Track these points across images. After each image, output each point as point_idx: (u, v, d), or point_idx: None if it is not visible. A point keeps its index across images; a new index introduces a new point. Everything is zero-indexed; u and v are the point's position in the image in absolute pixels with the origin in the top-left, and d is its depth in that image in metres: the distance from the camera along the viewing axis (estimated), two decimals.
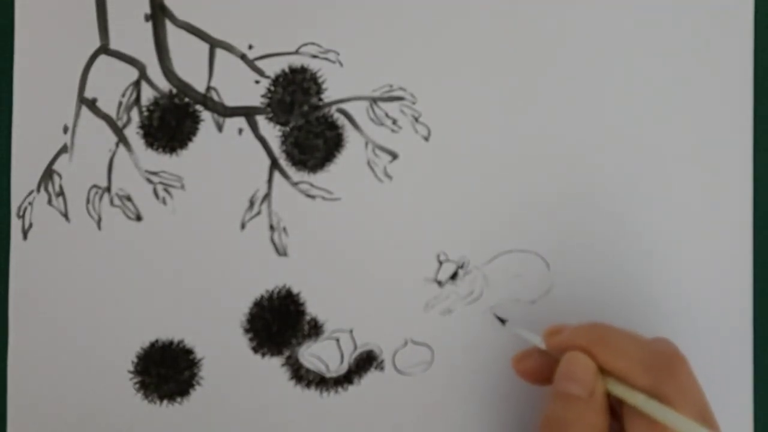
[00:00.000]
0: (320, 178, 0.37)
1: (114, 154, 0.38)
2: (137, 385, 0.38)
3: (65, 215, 0.38)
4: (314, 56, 0.37)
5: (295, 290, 0.37)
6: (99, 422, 0.38)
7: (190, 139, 0.37)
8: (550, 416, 0.30)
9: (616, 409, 0.30)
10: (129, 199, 0.38)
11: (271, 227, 0.37)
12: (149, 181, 0.38)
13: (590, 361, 0.30)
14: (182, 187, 0.37)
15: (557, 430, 0.29)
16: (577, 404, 0.29)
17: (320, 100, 0.37)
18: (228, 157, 0.37)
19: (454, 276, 0.37)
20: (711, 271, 0.36)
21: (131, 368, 0.37)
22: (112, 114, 0.38)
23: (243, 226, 0.37)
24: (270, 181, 0.37)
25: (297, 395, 0.37)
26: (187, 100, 0.37)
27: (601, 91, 0.37)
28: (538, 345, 0.32)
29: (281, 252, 0.37)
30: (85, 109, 0.38)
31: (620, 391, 0.29)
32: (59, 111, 0.38)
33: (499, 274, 0.37)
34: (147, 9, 0.37)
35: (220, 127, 0.37)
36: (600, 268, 0.36)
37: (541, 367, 0.32)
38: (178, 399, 0.37)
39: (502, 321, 0.35)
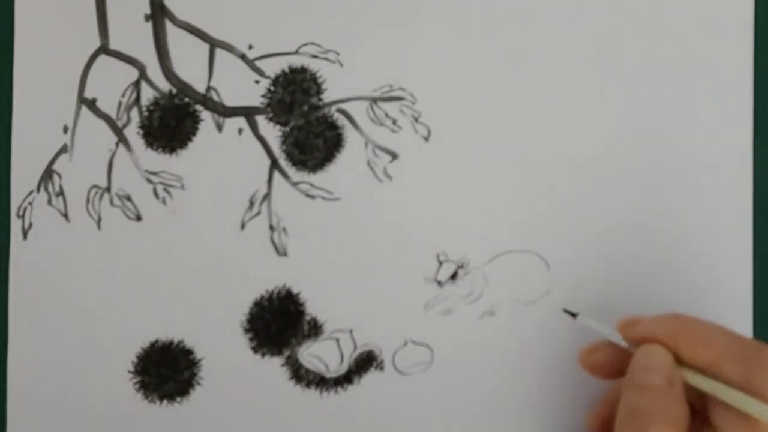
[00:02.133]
0: (320, 178, 0.37)
1: (114, 154, 0.38)
2: (137, 385, 0.38)
3: (65, 215, 0.38)
4: (314, 56, 0.37)
5: (295, 290, 0.37)
6: (99, 422, 0.38)
7: (190, 139, 0.37)
8: (630, 408, 0.29)
9: (695, 404, 0.30)
10: (129, 199, 0.38)
11: (271, 227, 0.37)
12: (149, 181, 0.38)
13: (666, 351, 0.30)
14: (182, 187, 0.37)
15: (639, 421, 0.28)
16: (657, 394, 0.29)
17: (320, 100, 0.37)
18: (228, 157, 0.37)
19: (454, 276, 0.37)
20: (711, 271, 0.36)
21: (131, 368, 0.37)
22: (112, 114, 0.38)
23: (243, 226, 0.37)
24: (270, 181, 0.37)
25: (297, 395, 0.37)
26: (187, 100, 0.37)
27: (601, 91, 0.37)
28: (610, 337, 0.32)
29: (281, 252, 0.37)
30: (85, 109, 0.38)
31: (702, 382, 0.29)
32: (59, 111, 0.38)
33: (499, 274, 0.37)
34: (147, 9, 0.37)
35: (220, 127, 0.37)
36: (600, 269, 0.36)
37: (610, 361, 0.32)
38: (178, 399, 0.37)
39: (573, 315, 0.34)
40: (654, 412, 0.28)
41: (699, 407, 0.30)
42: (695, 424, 0.29)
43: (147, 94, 0.38)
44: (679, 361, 0.30)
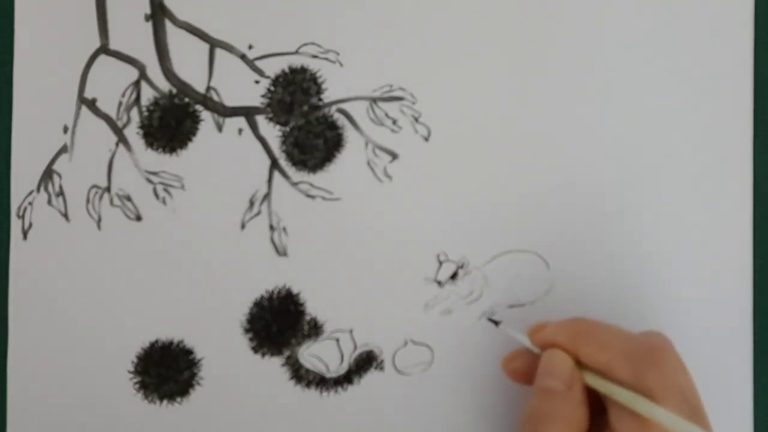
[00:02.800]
0: (320, 178, 0.37)
1: (114, 154, 0.38)
2: (137, 385, 0.38)
3: (65, 215, 0.38)
4: (314, 56, 0.37)
5: (295, 290, 0.37)
6: (99, 422, 0.38)
7: (190, 139, 0.37)
8: (530, 411, 0.30)
9: (597, 406, 0.30)
10: (129, 199, 0.38)
11: (271, 227, 0.37)
12: (149, 181, 0.38)
13: (567, 356, 0.31)
14: (182, 187, 0.37)
15: (537, 424, 0.30)
16: (556, 398, 0.30)
17: (320, 100, 0.37)
18: (228, 157, 0.37)
19: (454, 276, 0.37)
20: (711, 272, 0.36)
21: (131, 368, 0.38)
22: (112, 114, 0.38)
23: (243, 226, 0.37)
24: (270, 181, 0.37)
25: (297, 395, 0.37)
26: (187, 100, 0.37)
27: (601, 91, 0.37)
28: (527, 345, 0.33)
29: (281, 252, 0.37)
30: (85, 109, 0.38)
31: (597, 383, 0.30)
32: (59, 111, 0.38)
33: (499, 274, 0.37)
34: (147, 9, 0.37)
35: (220, 127, 0.37)
36: (600, 269, 0.36)
37: (529, 368, 0.32)
38: (178, 399, 0.37)
39: (496, 323, 0.35)
40: (552, 415, 0.30)
41: (600, 409, 0.30)
42: (596, 426, 0.30)
43: (147, 94, 0.38)
44: (580, 364, 0.31)
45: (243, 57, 0.37)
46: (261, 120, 0.37)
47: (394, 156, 0.37)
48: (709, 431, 0.29)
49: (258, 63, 0.37)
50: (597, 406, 0.30)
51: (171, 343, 0.37)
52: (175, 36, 0.37)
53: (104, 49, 0.38)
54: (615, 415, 0.29)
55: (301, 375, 0.37)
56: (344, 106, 0.37)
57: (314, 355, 0.37)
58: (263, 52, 0.37)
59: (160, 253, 0.37)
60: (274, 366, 0.37)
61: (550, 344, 0.31)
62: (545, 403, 0.30)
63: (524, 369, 0.33)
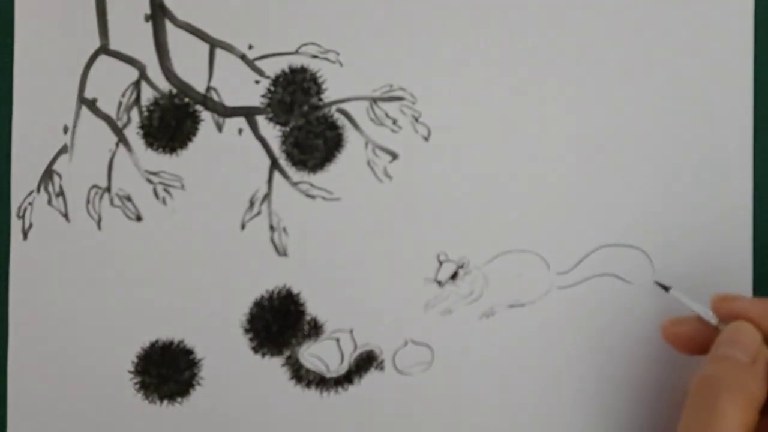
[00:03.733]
0: (320, 178, 0.37)
1: (114, 154, 0.38)
2: (137, 385, 0.38)
3: (65, 215, 0.38)
4: (314, 56, 0.37)
5: (295, 290, 0.37)
6: (99, 422, 0.38)
7: (190, 139, 0.37)
8: (708, 376, 0.29)
9: None
10: (129, 199, 0.38)
11: (271, 227, 0.37)
12: (149, 181, 0.38)
13: (756, 330, 0.30)
14: (182, 187, 0.37)
15: (714, 389, 0.28)
16: (738, 368, 0.29)
17: (320, 100, 0.37)
18: (228, 157, 0.37)
19: (454, 276, 0.37)
20: (711, 272, 0.36)
21: (131, 368, 0.37)
22: (112, 114, 0.38)
23: (243, 226, 0.37)
24: (270, 181, 0.37)
25: (297, 395, 0.37)
26: (187, 100, 0.37)
27: (600, 91, 0.37)
28: (701, 314, 0.32)
29: (281, 252, 0.37)
30: (85, 109, 0.38)
31: None
32: (59, 111, 0.38)
33: (499, 274, 0.37)
34: (147, 9, 0.37)
35: (220, 127, 0.37)
36: (600, 269, 0.36)
37: (693, 336, 0.32)
38: (178, 399, 0.37)
39: (666, 288, 0.35)
40: (730, 383, 0.28)
41: None
42: None
43: (147, 94, 0.38)
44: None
45: (243, 57, 0.37)
46: (261, 120, 0.37)
47: (394, 156, 0.37)
48: None
49: (258, 63, 0.37)
50: None
51: (171, 343, 0.37)
52: (175, 36, 0.37)
53: (104, 49, 0.38)
54: None
55: (301, 375, 0.37)
56: (344, 106, 0.37)
57: (314, 355, 0.37)
58: (263, 52, 0.37)
59: (160, 253, 0.37)
60: (274, 366, 0.37)
61: (740, 316, 0.31)
62: (726, 370, 0.29)
63: (688, 336, 0.32)
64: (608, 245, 0.36)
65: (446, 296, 0.37)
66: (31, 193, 0.38)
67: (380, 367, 0.37)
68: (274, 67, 0.37)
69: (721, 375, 0.29)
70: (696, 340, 0.32)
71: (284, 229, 0.37)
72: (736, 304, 0.31)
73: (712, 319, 0.32)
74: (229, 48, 0.37)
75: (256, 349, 0.37)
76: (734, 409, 0.28)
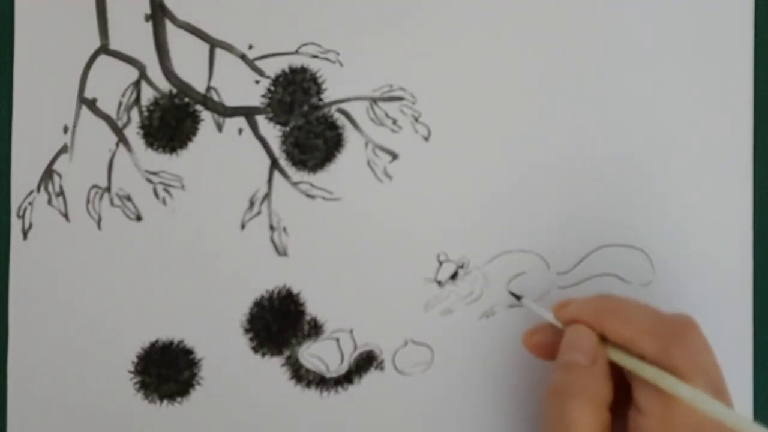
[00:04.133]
0: (320, 178, 0.37)
1: (114, 154, 0.38)
2: (137, 385, 0.38)
3: (65, 215, 0.38)
4: (314, 56, 0.37)
5: (295, 290, 0.37)
6: (99, 422, 0.38)
7: (190, 139, 0.37)
8: (554, 385, 0.30)
9: (621, 382, 0.30)
10: (129, 199, 0.38)
11: (271, 227, 0.37)
12: (149, 181, 0.38)
13: (591, 331, 0.31)
14: (182, 187, 0.37)
15: (561, 398, 0.29)
16: (580, 372, 0.30)
17: (320, 100, 0.37)
18: (228, 157, 0.37)
19: (454, 276, 0.37)
20: (711, 272, 0.36)
21: (131, 368, 0.38)
22: (112, 114, 0.38)
23: (243, 226, 0.37)
24: (270, 181, 0.37)
25: (297, 395, 0.37)
26: (187, 100, 0.37)
27: (600, 91, 0.37)
28: (550, 320, 0.33)
29: (281, 252, 0.37)
30: (85, 109, 0.38)
31: (622, 358, 0.30)
32: (59, 111, 0.38)
33: (499, 274, 0.37)
34: (147, 9, 0.38)
35: (220, 127, 0.37)
36: (600, 269, 0.36)
37: (550, 342, 0.32)
38: (178, 399, 0.37)
39: (518, 297, 0.35)
40: (575, 389, 0.29)
41: (624, 385, 0.30)
42: (620, 401, 0.30)
43: (147, 94, 0.38)
44: (605, 340, 0.31)
45: (243, 57, 0.37)
46: (261, 120, 0.37)
47: (394, 156, 0.37)
48: (731, 408, 0.29)
49: (258, 63, 0.37)
50: (621, 382, 0.30)
51: (171, 343, 0.37)
52: (175, 36, 0.37)
53: (104, 49, 0.38)
54: (639, 390, 0.29)
55: (301, 375, 0.37)
56: (344, 106, 0.37)
57: (314, 355, 0.37)
58: (263, 52, 0.37)
59: (160, 253, 0.37)
60: (274, 366, 0.37)
61: (575, 320, 0.31)
62: (569, 376, 0.30)
63: (546, 343, 0.33)
64: (608, 245, 0.36)
65: (446, 296, 0.37)
66: (31, 193, 0.38)
67: (380, 367, 0.37)
68: (274, 67, 0.37)
69: (565, 383, 0.30)
70: (553, 347, 0.32)
71: (284, 229, 0.37)
72: (571, 308, 0.32)
73: (559, 324, 0.32)
74: (229, 48, 0.37)
75: (256, 349, 0.37)
76: (584, 415, 0.29)
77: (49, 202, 0.38)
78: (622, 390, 0.30)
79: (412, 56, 0.37)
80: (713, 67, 0.36)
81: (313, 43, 0.37)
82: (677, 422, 0.28)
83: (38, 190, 0.38)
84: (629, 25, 0.37)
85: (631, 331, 0.30)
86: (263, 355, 0.37)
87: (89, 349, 0.38)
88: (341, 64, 0.37)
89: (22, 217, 0.38)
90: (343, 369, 0.37)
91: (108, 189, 0.38)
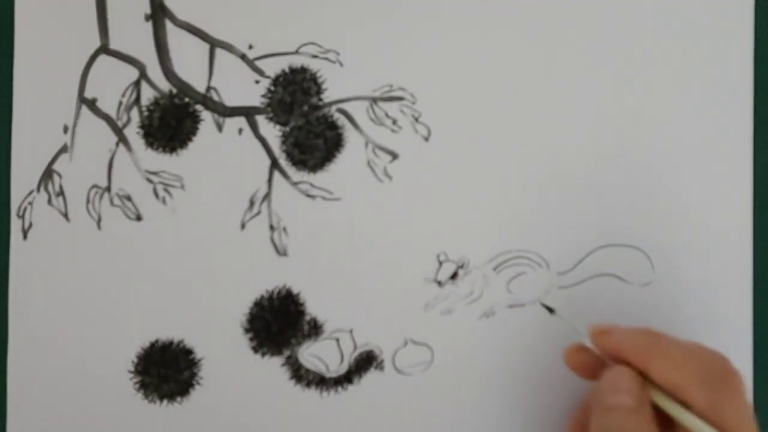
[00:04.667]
0: (320, 178, 0.37)
1: (114, 154, 0.38)
2: (137, 385, 0.38)
3: (65, 215, 0.38)
4: (314, 56, 0.37)
5: (295, 290, 0.37)
6: (99, 422, 0.38)
7: (190, 139, 0.37)
8: (600, 429, 0.29)
9: (665, 423, 0.30)
10: (129, 199, 0.38)
11: (271, 227, 0.37)
12: (149, 181, 0.38)
13: (636, 374, 0.30)
14: (182, 187, 0.37)
15: None
16: (626, 415, 0.29)
17: (320, 100, 0.37)
18: (228, 157, 0.37)
19: (454, 276, 0.37)
20: (711, 272, 0.36)
21: (131, 368, 0.38)
22: (112, 114, 0.38)
23: (243, 226, 0.37)
24: (270, 181, 0.37)
25: (297, 395, 0.37)
26: (187, 100, 0.37)
27: (601, 91, 0.37)
28: (585, 342, 0.32)
29: (281, 252, 0.37)
30: (85, 109, 0.38)
31: (668, 406, 0.29)
32: (59, 111, 0.38)
33: (499, 274, 0.37)
34: (147, 9, 0.37)
35: (220, 127, 0.37)
36: (600, 269, 0.36)
37: (593, 362, 0.32)
38: (178, 399, 0.37)
39: (551, 310, 0.35)
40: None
41: (668, 425, 0.30)
42: None
43: (147, 94, 0.38)
44: (648, 379, 0.30)
45: (243, 57, 0.37)
46: (261, 120, 0.37)
47: (394, 156, 0.37)
48: None
49: (258, 63, 0.37)
50: (664, 423, 0.29)
51: (171, 343, 0.37)
52: (175, 36, 0.37)
53: (104, 49, 0.38)
54: None
55: (301, 375, 0.37)
56: (344, 106, 0.37)
57: (314, 355, 0.37)
58: (263, 52, 0.37)
59: (160, 253, 0.37)
60: (274, 366, 0.37)
61: (618, 351, 0.30)
62: (615, 420, 0.29)
63: (588, 363, 0.32)
64: (608, 245, 0.36)
65: (446, 296, 0.37)
66: (31, 192, 0.38)
67: (380, 367, 0.37)
68: (274, 67, 0.37)
69: (613, 426, 0.29)
70: (593, 367, 0.32)
71: (284, 229, 0.37)
72: (613, 339, 0.31)
73: (595, 349, 0.32)
74: (229, 48, 0.37)
75: (256, 349, 0.37)
76: None
77: (49, 202, 0.38)
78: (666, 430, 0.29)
79: (412, 56, 0.37)
80: (713, 67, 0.36)
81: (313, 43, 0.37)
82: None
83: (38, 190, 0.38)
84: (630, 26, 0.37)
85: (680, 377, 0.29)
86: (263, 355, 0.37)
87: (89, 348, 0.38)
88: (341, 64, 0.37)
89: (22, 217, 0.38)
90: (343, 369, 0.37)
91: (108, 189, 0.38)
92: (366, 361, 0.37)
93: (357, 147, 0.37)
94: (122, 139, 0.38)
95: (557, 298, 0.36)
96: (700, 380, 0.28)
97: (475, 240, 0.37)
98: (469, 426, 0.37)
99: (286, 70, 0.37)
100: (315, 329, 0.37)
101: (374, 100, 0.37)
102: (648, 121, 0.36)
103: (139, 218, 0.38)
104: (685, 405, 0.29)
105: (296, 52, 0.37)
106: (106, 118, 0.38)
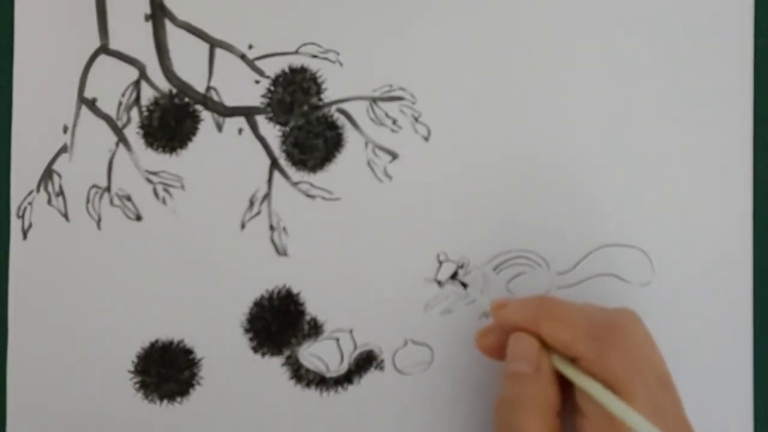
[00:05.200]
0: (320, 178, 0.37)
1: (114, 154, 0.38)
2: (137, 385, 0.38)
3: (65, 215, 0.38)
4: (314, 56, 0.37)
5: (295, 290, 0.37)
6: (99, 422, 0.38)
7: (190, 139, 0.37)
8: (502, 397, 0.30)
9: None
10: (129, 199, 0.38)
11: (271, 227, 0.37)
12: (149, 181, 0.38)
13: (532, 338, 0.31)
14: (182, 187, 0.37)
15: (509, 409, 0.30)
16: (525, 381, 0.30)
17: (320, 100, 0.37)
18: (228, 157, 0.37)
19: (454, 276, 0.37)
20: (711, 272, 0.36)
21: (131, 368, 0.38)
22: (112, 114, 0.38)
23: (243, 226, 0.37)
24: (270, 181, 0.37)
25: (297, 395, 0.37)
26: (187, 100, 0.37)
27: (601, 91, 0.37)
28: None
29: (281, 252, 0.37)
30: (85, 109, 0.38)
31: (565, 368, 0.30)
32: (59, 111, 0.38)
33: (499, 274, 0.37)
34: (147, 9, 0.37)
35: (220, 127, 0.37)
36: (600, 269, 0.36)
37: (502, 343, 0.32)
38: (178, 399, 0.37)
39: (464, 285, 0.35)
40: (523, 399, 0.30)
41: (570, 386, 0.30)
42: (567, 405, 0.30)
43: (147, 94, 0.38)
44: (546, 345, 0.30)
45: (243, 57, 0.37)
46: (261, 120, 0.37)
47: (394, 156, 0.37)
48: (678, 403, 0.29)
49: (258, 63, 0.37)
50: (566, 384, 0.30)
51: (171, 343, 0.37)
52: (175, 36, 0.37)
53: (104, 49, 0.38)
54: (580, 394, 0.29)
55: (301, 375, 0.37)
56: (344, 106, 0.37)
57: (314, 354, 0.37)
58: (263, 52, 0.37)
59: (160, 253, 0.37)
60: (274, 366, 0.37)
61: (514, 321, 0.31)
62: (515, 387, 0.30)
63: (496, 344, 0.33)
64: (608, 245, 0.36)
65: (446, 296, 0.37)
66: (31, 192, 0.38)
67: (380, 367, 0.37)
68: (274, 67, 0.37)
69: (513, 394, 0.30)
70: (503, 348, 0.32)
71: (284, 229, 0.37)
72: (508, 310, 0.32)
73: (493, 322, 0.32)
74: (229, 48, 0.37)
75: (256, 349, 0.37)
76: (533, 425, 0.29)
77: (49, 202, 0.38)
78: (568, 391, 0.30)
79: (412, 56, 0.37)
80: (713, 67, 0.36)
81: (313, 43, 0.37)
82: (618, 424, 0.28)
83: (38, 190, 0.38)
84: (630, 26, 0.37)
85: (569, 334, 0.30)
86: (263, 355, 0.37)
87: (89, 348, 0.38)
88: (341, 64, 0.37)
89: (22, 217, 0.38)
90: (343, 369, 0.37)
91: (108, 189, 0.38)
92: (366, 361, 0.37)
93: (357, 147, 0.37)
94: (122, 139, 0.38)
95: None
96: (586, 335, 0.29)
97: (475, 240, 0.37)
98: (469, 426, 0.37)
99: (286, 70, 0.37)
100: (315, 329, 0.37)
101: (374, 100, 0.37)
102: (648, 120, 0.36)
103: (139, 218, 0.38)
104: (575, 360, 0.29)
105: (296, 52, 0.37)
106: (106, 118, 0.38)
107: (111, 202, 0.38)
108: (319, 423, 0.37)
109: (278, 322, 0.37)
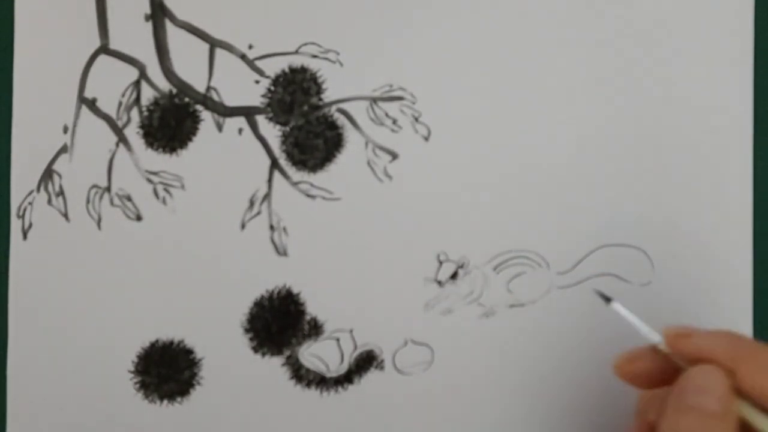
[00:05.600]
0: (320, 178, 0.37)
1: (114, 154, 0.38)
2: (137, 385, 0.38)
3: (65, 215, 0.38)
4: (314, 56, 0.37)
5: (295, 290, 0.37)
6: (99, 422, 0.38)
7: (190, 139, 0.37)
8: (676, 429, 0.26)
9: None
10: (129, 199, 0.38)
11: (271, 227, 0.37)
12: (149, 181, 0.38)
13: (724, 375, 0.27)
14: (182, 187, 0.37)
15: None
16: (710, 420, 0.26)
17: (320, 100, 0.37)
18: (228, 157, 0.37)
19: (454, 276, 0.37)
20: (711, 272, 0.36)
21: (131, 368, 0.38)
22: (112, 114, 0.38)
23: (243, 226, 0.37)
24: (270, 181, 0.37)
25: (297, 395, 0.37)
26: (187, 100, 0.37)
27: (601, 91, 0.37)
28: (653, 341, 0.29)
29: (281, 252, 0.37)
30: (85, 109, 0.38)
31: (752, 415, 0.27)
32: (59, 111, 0.38)
33: (499, 274, 0.37)
34: (147, 9, 0.38)
35: (220, 127, 0.37)
36: (600, 269, 0.36)
37: (653, 370, 0.29)
38: (178, 399, 0.37)
39: (608, 299, 0.31)
40: None
41: None
42: None
43: (147, 94, 0.38)
44: (735, 385, 0.27)
45: (243, 57, 0.37)
46: (261, 120, 0.37)
47: (394, 156, 0.37)
48: None
49: (258, 63, 0.37)
50: None
51: (171, 343, 0.37)
52: (175, 36, 0.37)
53: (104, 49, 0.38)
54: None
55: (301, 375, 0.37)
56: (344, 105, 0.37)
57: (314, 354, 0.37)
58: (263, 52, 0.37)
59: (160, 253, 0.37)
60: (274, 366, 0.37)
61: (701, 357, 0.28)
62: (695, 423, 0.26)
63: (649, 371, 0.29)
64: (608, 245, 0.36)
65: (446, 296, 0.37)
66: (31, 192, 0.38)
67: (380, 367, 0.37)
68: (274, 67, 0.37)
69: (693, 429, 0.26)
70: (654, 374, 0.29)
71: (284, 229, 0.37)
72: (695, 342, 0.28)
73: (666, 349, 0.29)
74: (229, 48, 0.37)
75: (256, 349, 0.37)
76: None
77: (49, 202, 0.38)
78: None
79: (412, 56, 0.37)
80: (713, 66, 0.36)
81: (313, 43, 0.37)
82: None
83: (38, 190, 0.38)
84: (629, 26, 0.37)
85: None
86: (263, 355, 0.37)
87: (89, 348, 0.38)
88: (341, 64, 0.37)
89: (22, 217, 0.38)
90: (343, 369, 0.37)
91: (108, 189, 0.38)
92: (366, 361, 0.37)
93: (357, 147, 0.37)
94: (122, 139, 0.38)
95: (557, 298, 0.36)
96: None
97: (475, 240, 0.37)
98: (469, 426, 0.37)
99: (286, 70, 0.37)
100: (315, 329, 0.37)
101: (374, 100, 0.37)
102: (648, 120, 0.36)
103: (139, 218, 0.38)
104: None
105: (296, 52, 0.37)
106: (106, 118, 0.38)
107: (111, 202, 0.38)
108: (319, 423, 0.37)
109: (278, 322, 0.37)
